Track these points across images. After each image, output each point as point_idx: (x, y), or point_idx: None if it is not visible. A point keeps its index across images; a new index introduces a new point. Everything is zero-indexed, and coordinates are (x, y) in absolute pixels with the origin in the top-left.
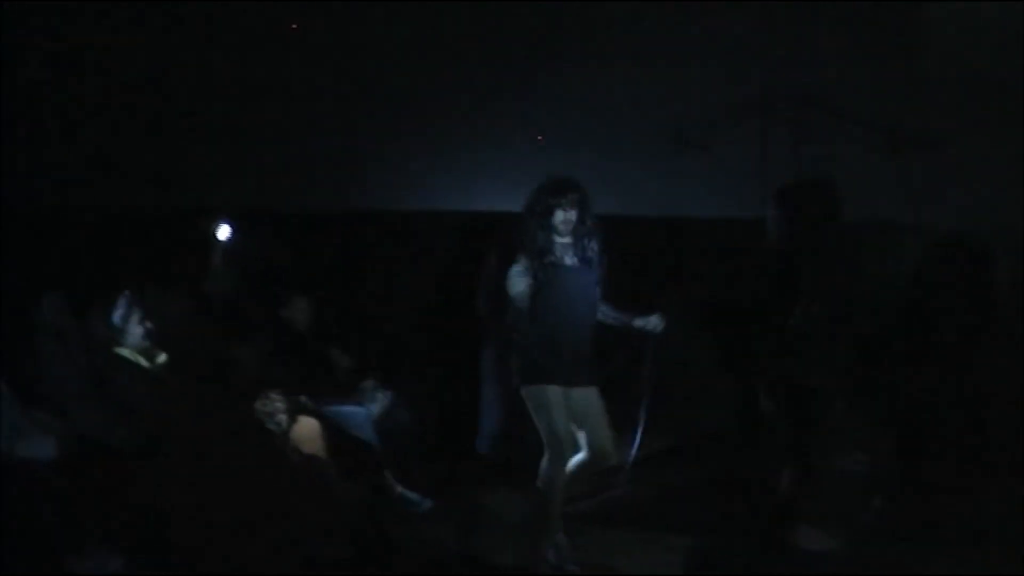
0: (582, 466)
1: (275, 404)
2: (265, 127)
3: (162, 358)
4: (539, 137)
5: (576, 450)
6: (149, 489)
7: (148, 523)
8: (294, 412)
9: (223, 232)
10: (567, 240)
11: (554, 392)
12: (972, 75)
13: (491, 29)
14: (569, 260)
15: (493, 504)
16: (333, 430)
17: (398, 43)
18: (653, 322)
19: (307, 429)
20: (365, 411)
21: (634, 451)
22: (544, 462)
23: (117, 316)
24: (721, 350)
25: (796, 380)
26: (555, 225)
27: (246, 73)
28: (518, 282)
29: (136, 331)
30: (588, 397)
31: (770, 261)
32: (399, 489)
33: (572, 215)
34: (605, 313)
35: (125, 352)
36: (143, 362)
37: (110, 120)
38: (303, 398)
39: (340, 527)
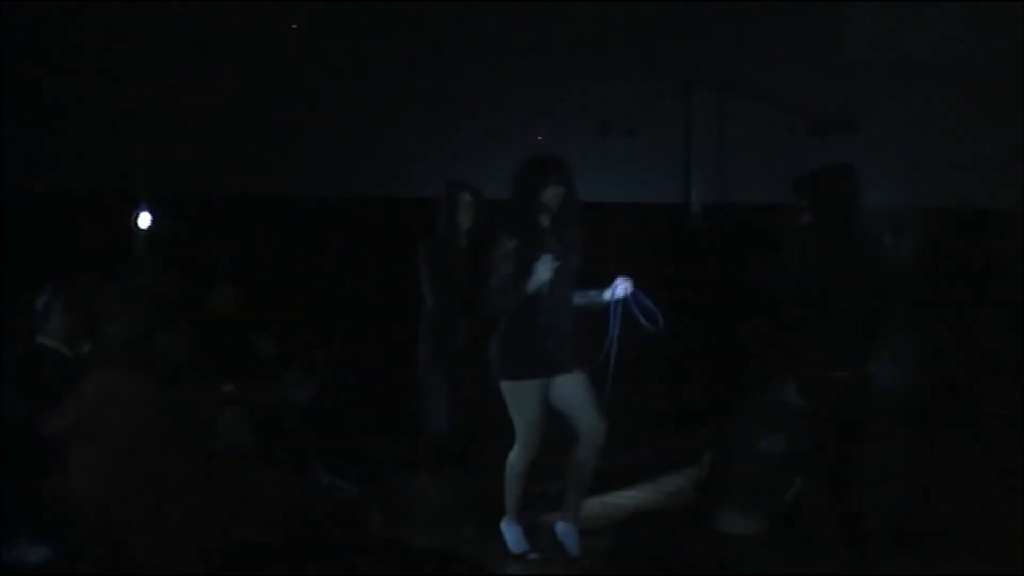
0: (579, 451)
1: (199, 392)
2: (188, 110)
3: (86, 348)
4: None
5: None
6: (72, 477)
7: (71, 512)
8: (219, 400)
9: (144, 219)
10: (549, 223)
11: (534, 387)
12: (890, 58)
13: (415, 17)
14: (552, 244)
15: (421, 490)
16: (258, 418)
17: (321, 27)
18: (621, 286)
19: (232, 417)
20: (291, 398)
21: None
22: (513, 453)
23: (39, 305)
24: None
25: (830, 371)
26: (543, 206)
27: (167, 56)
28: (543, 270)
29: (58, 320)
30: (572, 382)
31: (795, 249)
32: (327, 476)
33: (560, 194)
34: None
35: (47, 341)
36: (66, 351)
37: (25, 104)
38: (228, 386)
39: (266, 515)
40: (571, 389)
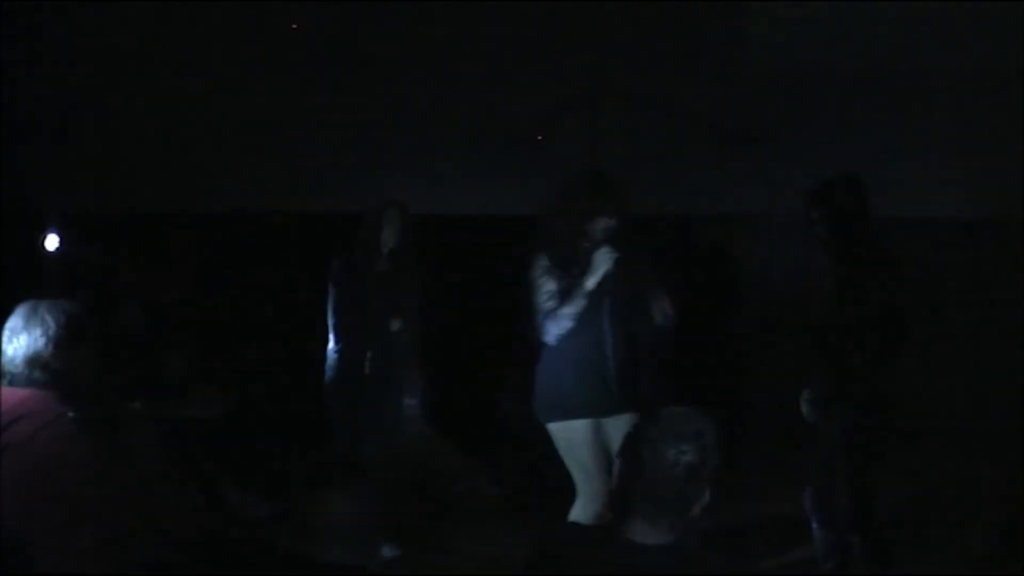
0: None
1: (105, 410)
2: (97, 126)
3: None
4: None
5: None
6: None
7: None
8: (125, 418)
9: (51, 242)
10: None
11: (583, 428)
12: (797, 69)
13: (317, 27)
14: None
15: (333, 506)
16: (166, 435)
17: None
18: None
19: (138, 435)
20: (200, 415)
21: None
22: (575, 508)
23: None
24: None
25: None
26: (593, 232)
27: (78, 69)
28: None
29: None
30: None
31: (812, 259)
32: (237, 494)
33: (610, 226)
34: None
35: None
36: None
37: None
38: (136, 404)
39: (174, 533)
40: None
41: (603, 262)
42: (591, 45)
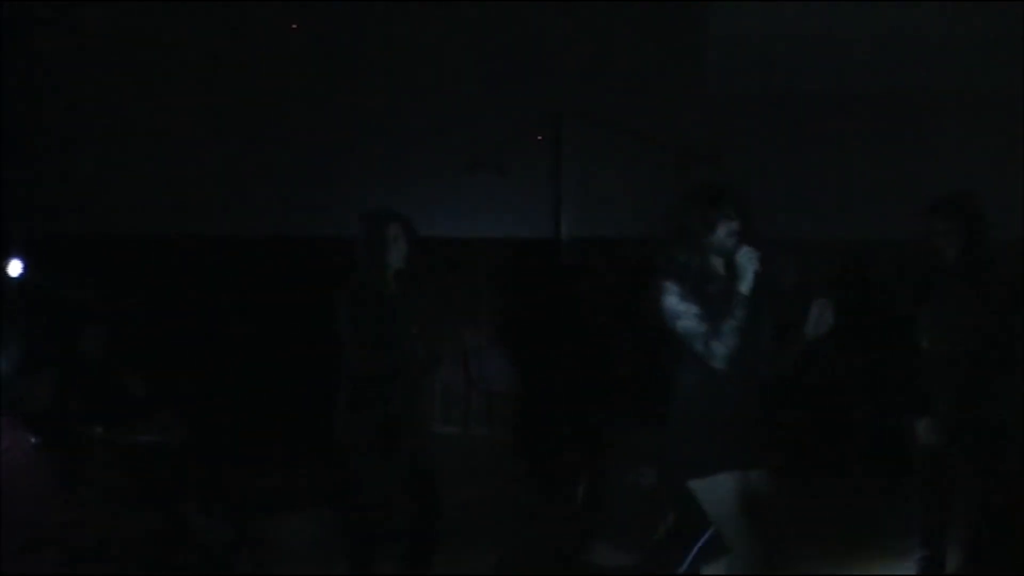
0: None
1: (69, 435)
2: (58, 151)
3: None
4: (539, 137)
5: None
6: None
7: None
8: (88, 442)
9: (14, 267)
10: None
11: (729, 482)
12: (755, 92)
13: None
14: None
15: (293, 530)
16: (129, 459)
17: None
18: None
19: (101, 459)
20: (163, 440)
21: None
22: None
23: None
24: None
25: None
26: (718, 242)
27: (38, 86)
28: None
29: None
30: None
31: (936, 278)
32: (200, 518)
33: (736, 223)
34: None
35: None
36: None
37: None
38: (98, 428)
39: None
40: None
41: (748, 263)
42: (554, 69)
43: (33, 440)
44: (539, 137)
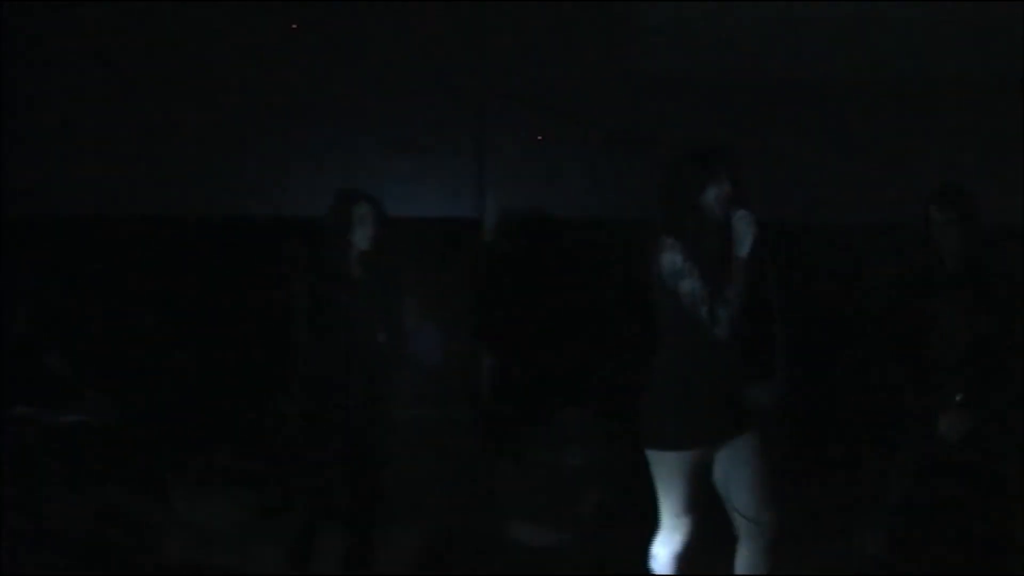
0: (741, 555)
1: None
2: None
3: None
4: (539, 137)
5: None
6: None
7: None
8: (10, 423)
9: None
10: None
11: (688, 460)
12: (688, 73)
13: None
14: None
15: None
16: (53, 439)
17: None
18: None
19: (25, 439)
20: (89, 419)
21: None
22: (657, 540)
23: None
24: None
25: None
26: (707, 205)
27: None
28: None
29: None
30: (737, 450)
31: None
32: (124, 497)
33: (726, 185)
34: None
35: None
36: None
37: None
38: (19, 408)
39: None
40: (732, 463)
41: (744, 225)
42: (481, 48)
43: None
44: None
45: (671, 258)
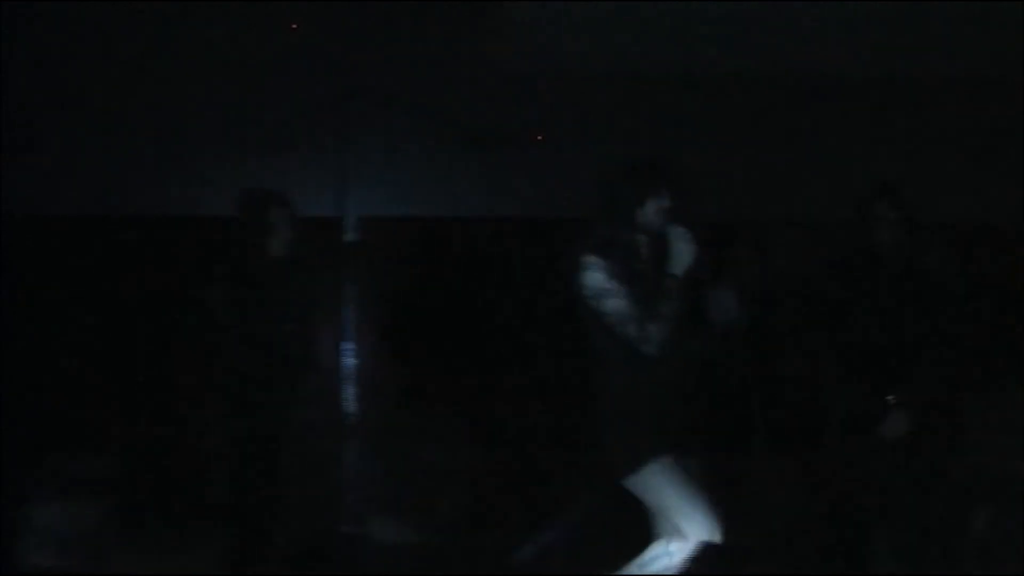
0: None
1: None
2: None
3: None
4: (539, 136)
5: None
6: None
7: None
8: None
9: None
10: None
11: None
12: (548, 71)
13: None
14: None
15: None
16: None
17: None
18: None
19: None
20: None
21: None
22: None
23: None
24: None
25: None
26: (645, 219)
27: None
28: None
29: None
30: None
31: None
32: None
33: (667, 201)
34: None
35: None
36: None
37: None
38: None
39: None
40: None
41: (680, 242)
42: (341, 45)
43: None
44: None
45: (594, 277)
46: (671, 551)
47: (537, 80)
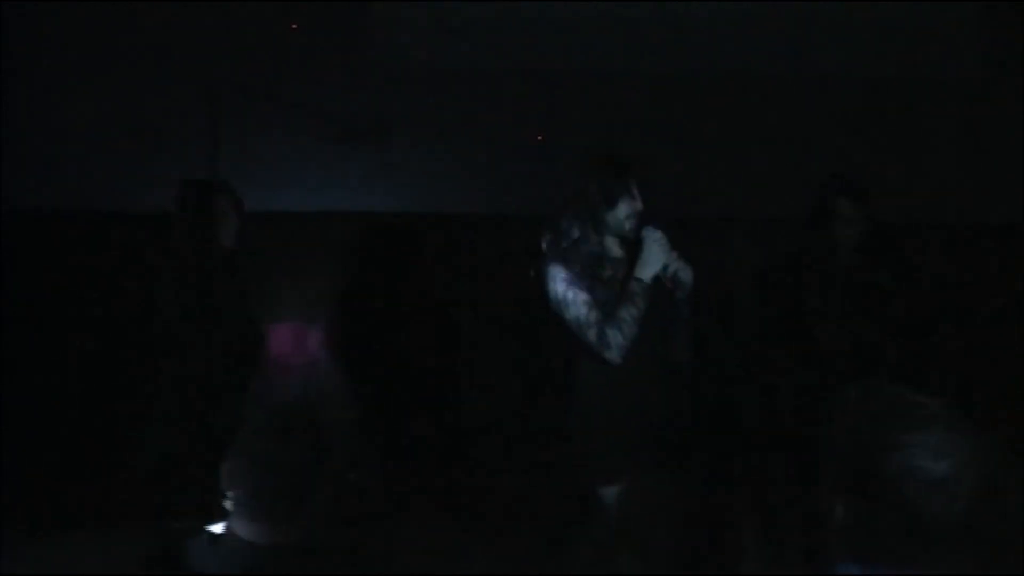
0: None
1: None
2: None
3: None
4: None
5: None
6: None
7: None
8: None
9: None
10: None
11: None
12: (423, 65)
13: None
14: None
15: None
16: None
17: None
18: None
19: None
20: None
21: None
22: None
23: None
24: None
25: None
26: (614, 221)
27: None
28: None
29: None
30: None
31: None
32: None
33: (638, 203)
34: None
35: None
36: None
37: None
38: None
39: None
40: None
41: (657, 248)
42: (210, 39)
43: None
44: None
45: (553, 288)
46: None
47: (414, 75)
